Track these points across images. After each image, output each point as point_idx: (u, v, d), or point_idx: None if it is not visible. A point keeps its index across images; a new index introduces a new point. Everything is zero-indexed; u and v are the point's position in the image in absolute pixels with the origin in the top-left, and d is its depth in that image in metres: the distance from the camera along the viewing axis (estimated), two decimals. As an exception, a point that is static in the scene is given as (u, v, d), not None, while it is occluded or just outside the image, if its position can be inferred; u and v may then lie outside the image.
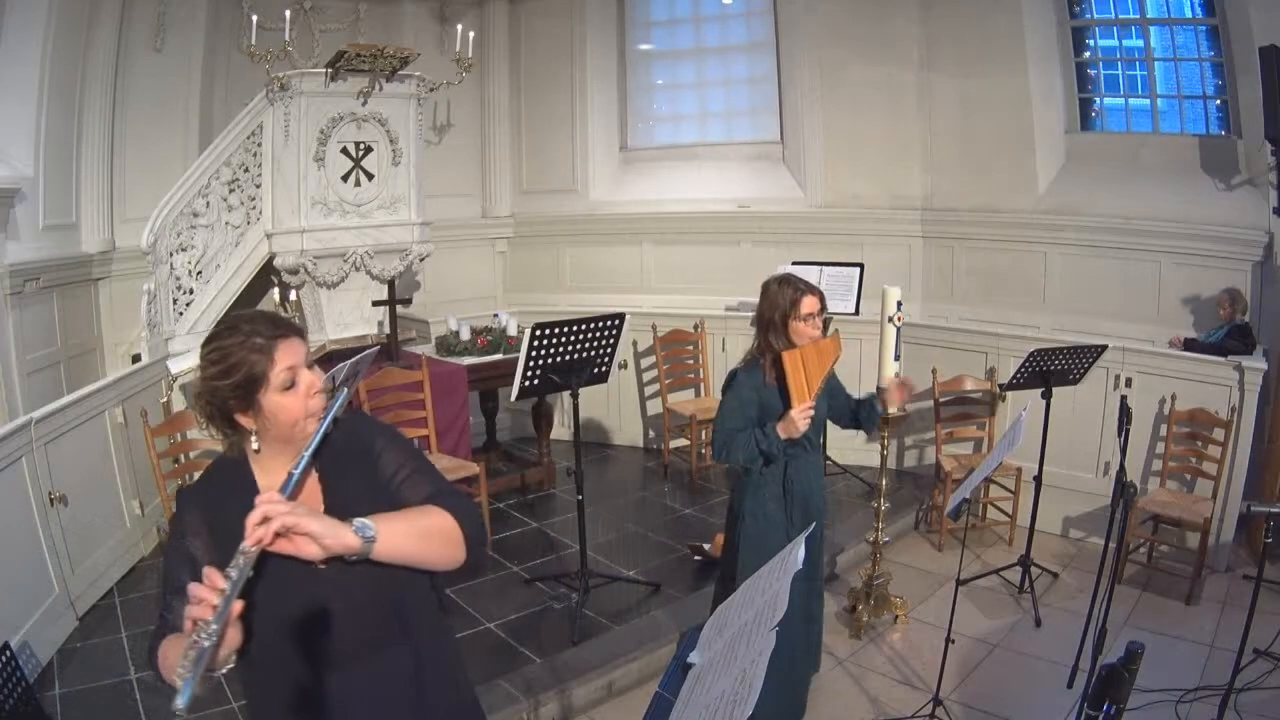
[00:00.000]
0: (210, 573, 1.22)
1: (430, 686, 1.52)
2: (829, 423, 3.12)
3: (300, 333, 1.47)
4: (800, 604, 2.76)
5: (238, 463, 1.48)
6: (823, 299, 2.81)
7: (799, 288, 2.76)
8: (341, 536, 1.29)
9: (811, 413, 2.69)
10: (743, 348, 5.72)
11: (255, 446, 1.44)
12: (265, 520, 1.24)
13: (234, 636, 1.25)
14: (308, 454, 1.40)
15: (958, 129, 6.01)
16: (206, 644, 1.16)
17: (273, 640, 1.40)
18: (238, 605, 1.22)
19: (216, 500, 1.45)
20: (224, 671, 1.29)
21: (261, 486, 1.44)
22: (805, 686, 3.07)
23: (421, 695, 1.51)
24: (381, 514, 1.38)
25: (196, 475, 3.97)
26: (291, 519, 1.26)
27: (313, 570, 1.40)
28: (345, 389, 1.53)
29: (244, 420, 1.42)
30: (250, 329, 1.41)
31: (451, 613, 1.66)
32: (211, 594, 1.19)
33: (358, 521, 1.32)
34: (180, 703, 1.12)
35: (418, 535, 1.40)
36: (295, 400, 1.41)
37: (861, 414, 3.06)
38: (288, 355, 1.41)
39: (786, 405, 2.71)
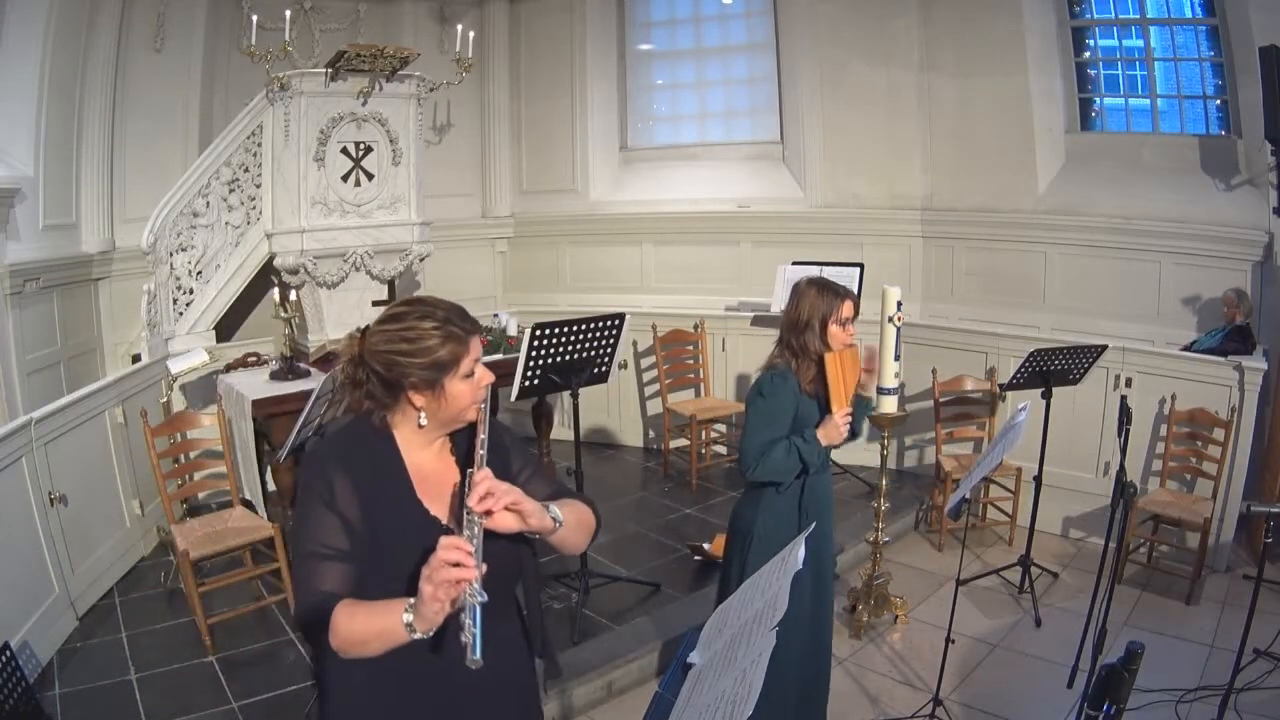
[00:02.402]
0: (454, 540, 1.31)
1: (530, 658, 1.70)
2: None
3: (482, 330, 1.63)
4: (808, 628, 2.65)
5: (379, 433, 1.54)
6: (858, 304, 2.71)
7: (837, 291, 2.65)
8: (543, 518, 1.49)
9: (851, 418, 2.62)
10: (743, 348, 5.85)
11: (423, 422, 1.53)
12: (489, 495, 1.40)
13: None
14: (485, 435, 1.53)
15: (958, 129, 6.01)
16: (480, 602, 1.27)
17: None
18: (483, 568, 1.31)
19: (361, 468, 1.51)
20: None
21: (409, 462, 1.54)
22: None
23: (530, 665, 1.67)
24: (556, 502, 1.56)
25: (197, 475, 4.02)
26: (514, 495, 1.43)
27: None
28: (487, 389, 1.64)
29: (416, 398, 1.51)
30: (446, 316, 1.51)
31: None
32: (467, 557, 1.28)
33: (552, 507, 1.52)
34: (478, 655, 1.24)
35: (577, 525, 1.60)
36: (471, 390, 1.52)
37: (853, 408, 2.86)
38: (477, 349, 1.54)
39: (824, 412, 2.61)
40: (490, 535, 1.44)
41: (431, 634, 1.30)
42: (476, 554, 1.30)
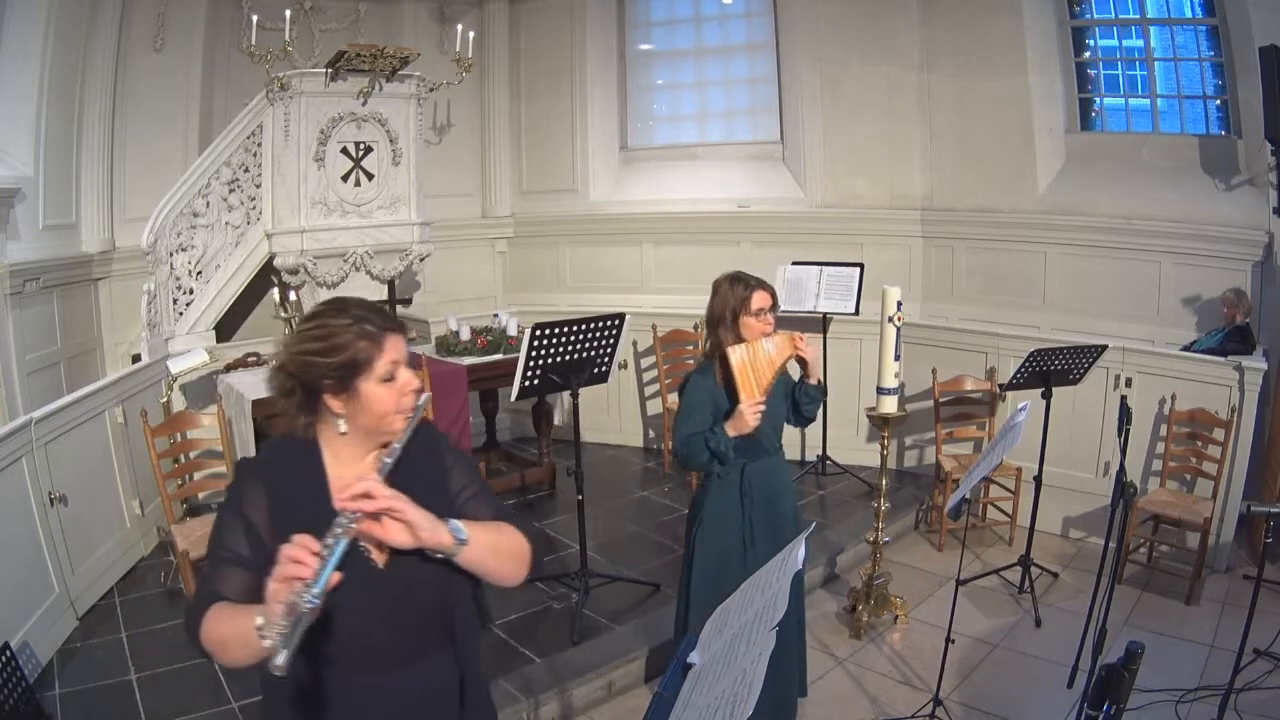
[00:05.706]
0: (303, 538, 1.22)
1: (470, 696, 1.53)
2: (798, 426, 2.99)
3: (405, 331, 1.50)
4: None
5: (306, 445, 1.46)
6: (774, 294, 2.74)
7: (749, 283, 2.70)
8: (438, 532, 1.34)
9: (762, 408, 2.62)
10: (742, 348, 5.82)
11: (343, 429, 1.44)
12: (366, 496, 1.27)
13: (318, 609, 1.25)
14: (399, 445, 1.42)
15: (958, 129, 6.01)
16: (307, 607, 1.16)
17: (322, 635, 1.37)
18: (335, 576, 1.20)
19: (281, 477, 1.44)
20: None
21: (331, 474, 1.44)
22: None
23: (463, 703, 1.51)
24: (470, 521, 1.42)
25: (197, 475, 4.01)
26: (397, 503, 1.29)
27: (374, 568, 1.41)
28: (426, 394, 1.53)
29: (333, 402, 1.42)
30: (361, 314, 1.43)
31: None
32: (308, 555, 1.19)
33: (453, 522, 1.37)
34: (280, 662, 1.13)
35: (495, 548, 1.45)
36: (391, 394, 1.42)
37: (799, 396, 2.87)
38: (394, 349, 1.43)
39: (734, 403, 2.64)
40: (419, 560, 1.37)
41: (282, 646, 1.15)
42: (331, 557, 1.20)
